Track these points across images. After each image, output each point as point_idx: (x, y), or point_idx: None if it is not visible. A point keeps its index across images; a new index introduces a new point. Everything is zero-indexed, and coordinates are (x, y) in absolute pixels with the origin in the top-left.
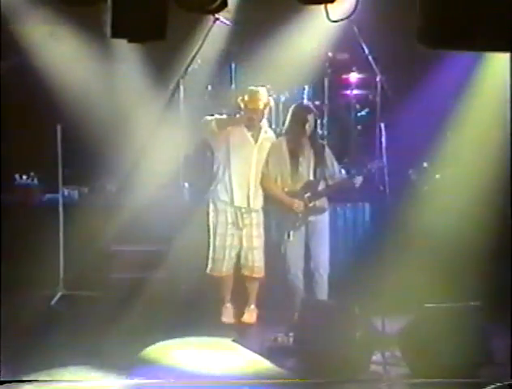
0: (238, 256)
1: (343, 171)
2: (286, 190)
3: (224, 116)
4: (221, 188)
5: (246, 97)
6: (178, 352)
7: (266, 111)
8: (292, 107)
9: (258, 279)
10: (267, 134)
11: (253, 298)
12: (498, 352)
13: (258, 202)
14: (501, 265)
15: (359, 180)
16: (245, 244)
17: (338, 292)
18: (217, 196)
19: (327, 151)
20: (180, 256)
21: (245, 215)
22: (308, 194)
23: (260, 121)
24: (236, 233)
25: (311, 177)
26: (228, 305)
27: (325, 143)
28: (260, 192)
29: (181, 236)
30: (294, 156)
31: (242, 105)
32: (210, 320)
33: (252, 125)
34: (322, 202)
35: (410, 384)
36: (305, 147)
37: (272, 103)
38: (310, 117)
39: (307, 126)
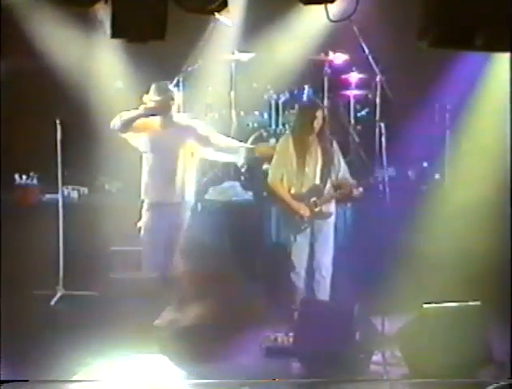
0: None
1: (347, 173)
2: (292, 192)
3: (133, 111)
4: (147, 187)
5: (149, 93)
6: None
7: (174, 104)
8: (299, 104)
9: None
10: (182, 124)
11: None
12: (498, 352)
13: (188, 197)
14: (501, 265)
15: (358, 191)
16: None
17: (338, 292)
18: (144, 196)
19: (335, 147)
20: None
21: (180, 214)
22: (314, 199)
23: (167, 113)
24: (170, 234)
25: (317, 178)
26: (169, 307)
27: (333, 139)
28: (190, 185)
29: None
30: (301, 155)
31: (147, 102)
32: None
33: (163, 121)
34: (328, 206)
35: (410, 384)
36: (312, 145)
37: (176, 94)
38: (318, 114)
39: (315, 123)
